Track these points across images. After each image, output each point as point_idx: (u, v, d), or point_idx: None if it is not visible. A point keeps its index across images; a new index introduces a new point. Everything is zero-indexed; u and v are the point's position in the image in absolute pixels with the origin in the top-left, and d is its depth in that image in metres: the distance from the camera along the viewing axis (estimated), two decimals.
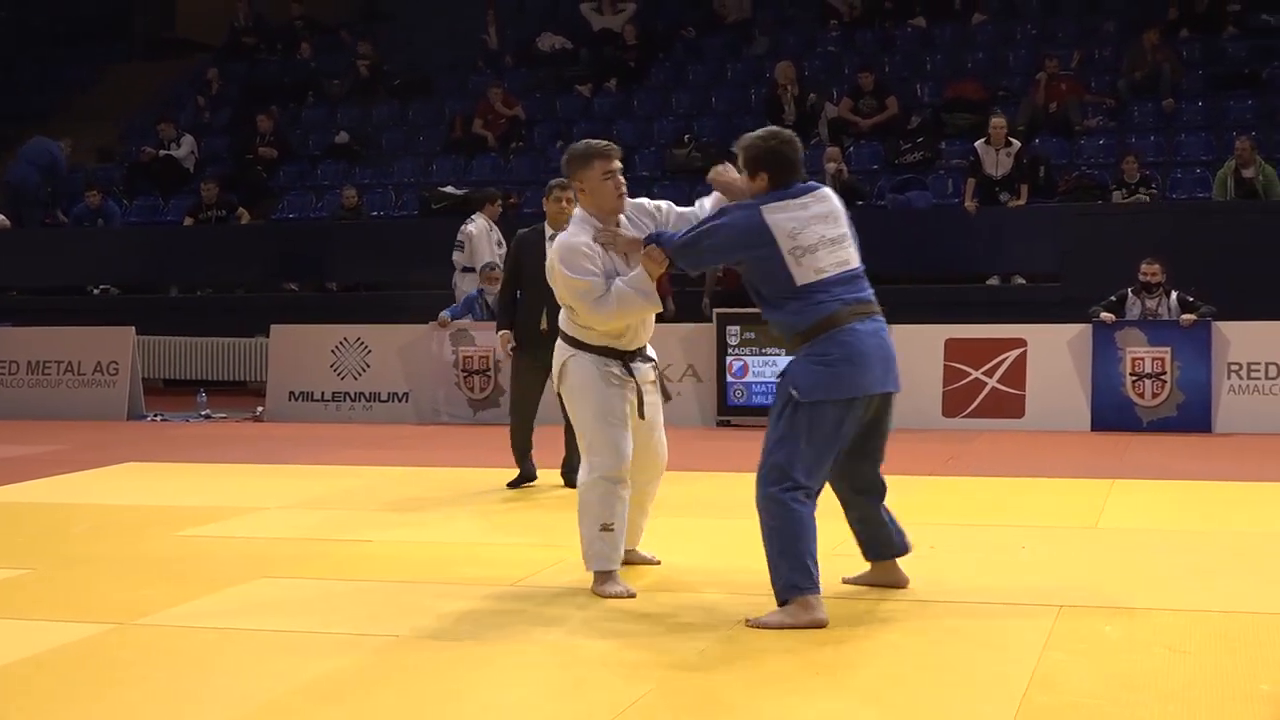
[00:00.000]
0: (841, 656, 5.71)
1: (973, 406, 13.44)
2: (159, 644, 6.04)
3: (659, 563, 7.25)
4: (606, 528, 6.62)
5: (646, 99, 21.15)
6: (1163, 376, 13.16)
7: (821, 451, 6.25)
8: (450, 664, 5.65)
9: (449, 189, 19.03)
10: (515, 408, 10.13)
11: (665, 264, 6.57)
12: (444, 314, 14.43)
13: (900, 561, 6.69)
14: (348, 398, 14.99)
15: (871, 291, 6.37)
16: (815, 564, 6.09)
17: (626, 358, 6.83)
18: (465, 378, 14.57)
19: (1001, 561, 7.26)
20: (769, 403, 14.16)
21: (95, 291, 19.76)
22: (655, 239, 6.62)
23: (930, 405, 13.31)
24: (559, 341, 6.97)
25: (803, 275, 6.21)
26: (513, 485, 10.02)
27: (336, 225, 19.08)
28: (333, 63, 23.29)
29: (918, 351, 13.49)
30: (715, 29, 22.28)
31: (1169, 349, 13.16)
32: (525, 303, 9.71)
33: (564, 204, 9.25)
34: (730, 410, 13.96)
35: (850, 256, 6.32)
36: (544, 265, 8.98)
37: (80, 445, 12.93)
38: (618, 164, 6.80)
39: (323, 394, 15.02)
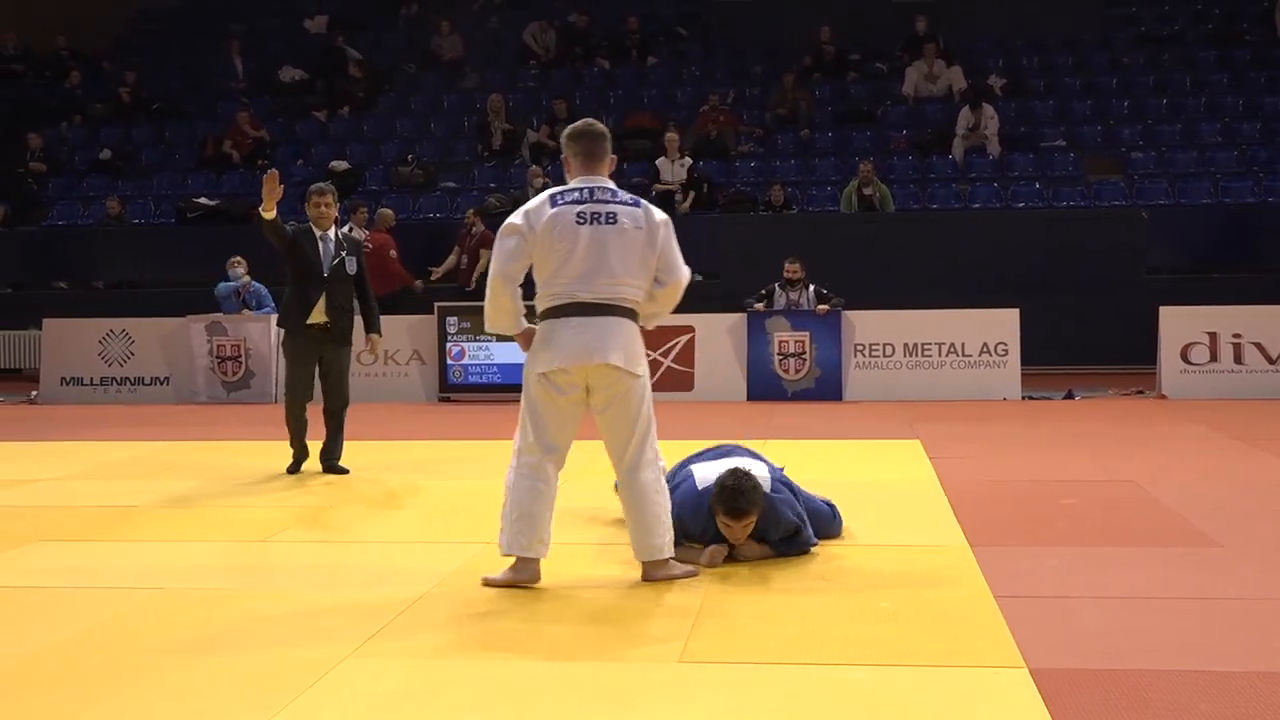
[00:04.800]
0: (532, 600, 5.70)
1: (652, 382, 13.59)
2: None
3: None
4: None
5: (375, 124, 20.87)
6: (803, 356, 13.55)
7: None
8: (208, 608, 5.48)
9: (202, 200, 18.65)
10: (290, 391, 9.11)
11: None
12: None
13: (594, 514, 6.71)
14: (114, 382, 14.47)
15: None
16: None
17: None
18: (219, 363, 14.16)
19: None
20: (483, 381, 14.22)
21: None
22: None
23: None
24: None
25: None
26: (293, 469, 9.04)
27: (102, 231, 18.49)
28: (95, 89, 22.34)
29: None
30: (433, 66, 22.11)
31: (808, 333, 13.56)
32: (298, 292, 8.95)
33: (322, 208, 9.00)
34: (450, 388, 13.87)
35: None
36: (315, 260, 8.83)
37: None
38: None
39: (92, 379, 14.47)
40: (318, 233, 8.99)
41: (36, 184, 20.03)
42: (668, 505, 5.81)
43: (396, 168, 19.18)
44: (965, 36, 20.76)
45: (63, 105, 22.01)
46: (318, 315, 8.87)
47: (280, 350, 10.45)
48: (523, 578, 5.70)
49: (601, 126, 6.00)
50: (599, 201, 5.71)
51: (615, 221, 5.68)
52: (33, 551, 6.69)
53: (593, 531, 6.73)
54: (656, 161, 17.65)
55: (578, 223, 5.65)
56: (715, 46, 22.16)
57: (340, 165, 18.79)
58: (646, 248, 5.71)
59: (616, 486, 5.98)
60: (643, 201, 5.87)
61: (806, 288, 13.83)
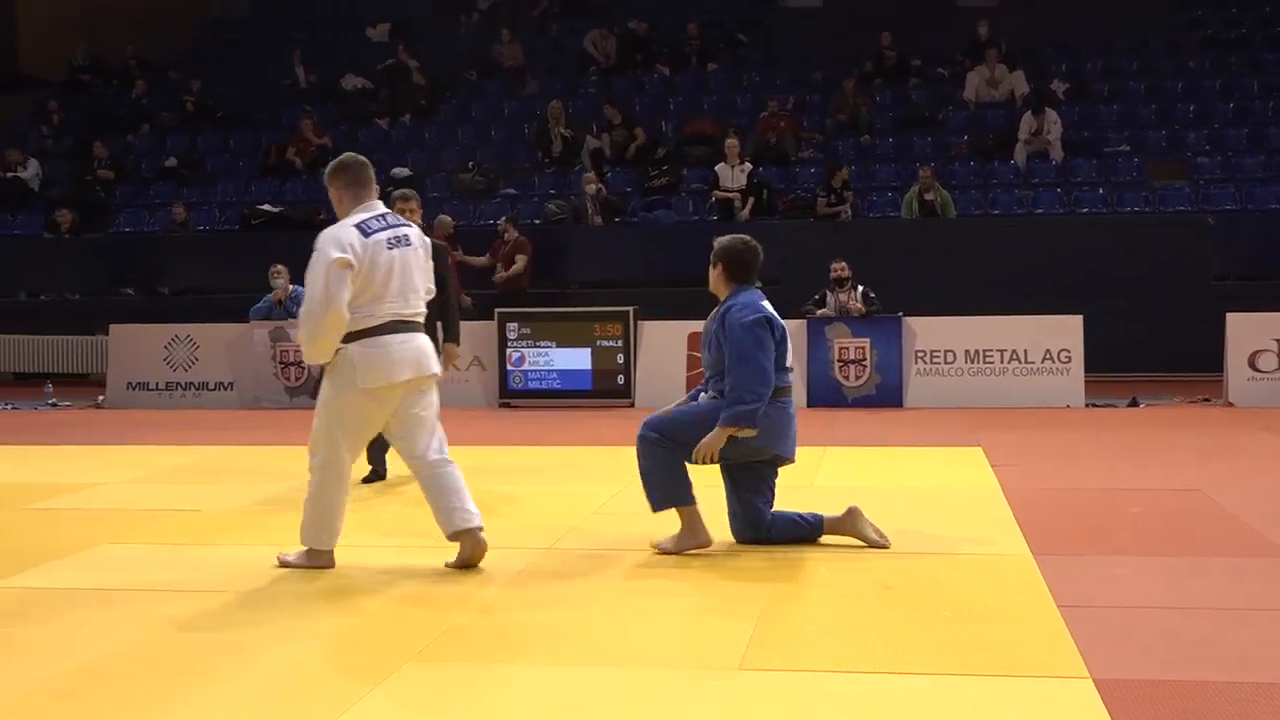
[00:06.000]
0: (593, 603, 5.71)
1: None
2: (11, 605, 5.79)
3: None
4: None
5: (436, 131, 21.00)
6: (863, 362, 13.49)
7: None
8: (269, 610, 5.53)
9: (265, 206, 18.82)
10: None
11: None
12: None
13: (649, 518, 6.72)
14: (179, 387, 14.64)
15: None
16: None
17: None
18: (282, 369, 14.30)
19: None
20: (543, 387, 14.27)
21: None
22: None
23: (676, 389, 13.38)
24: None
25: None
26: (367, 480, 8.95)
27: (168, 238, 18.74)
28: (163, 98, 22.64)
29: (666, 343, 13.67)
30: (494, 73, 22.22)
31: (869, 339, 13.50)
32: None
33: (406, 213, 9.00)
34: (510, 394, 13.91)
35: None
36: None
37: None
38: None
39: (157, 384, 14.65)
40: None
41: (104, 191, 20.34)
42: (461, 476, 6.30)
43: (458, 174, 19.32)
44: (1028, 41, 20.62)
45: (130, 114, 22.34)
46: None
47: None
48: (320, 563, 6.27)
49: (362, 157, 6.40)
50: (393, 226, 6.20)
51: (410, 243, 6.21)
52: (100, 554, 6.78)
53: (643, 537, 6.72)
54: (716, 168, 17.68)
55: (389, 248, 6.09)
56: (776, 52, 22.14)
57: (402, 172, 18.90)
58: (426, 264, 6.32)
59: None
60: (414, 226, 6.41)
61: (855, 287, 13.79)
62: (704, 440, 6.31)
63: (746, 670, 4.61)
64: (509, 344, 13.90)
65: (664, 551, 6.42)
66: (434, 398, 6.32)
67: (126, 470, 9.68)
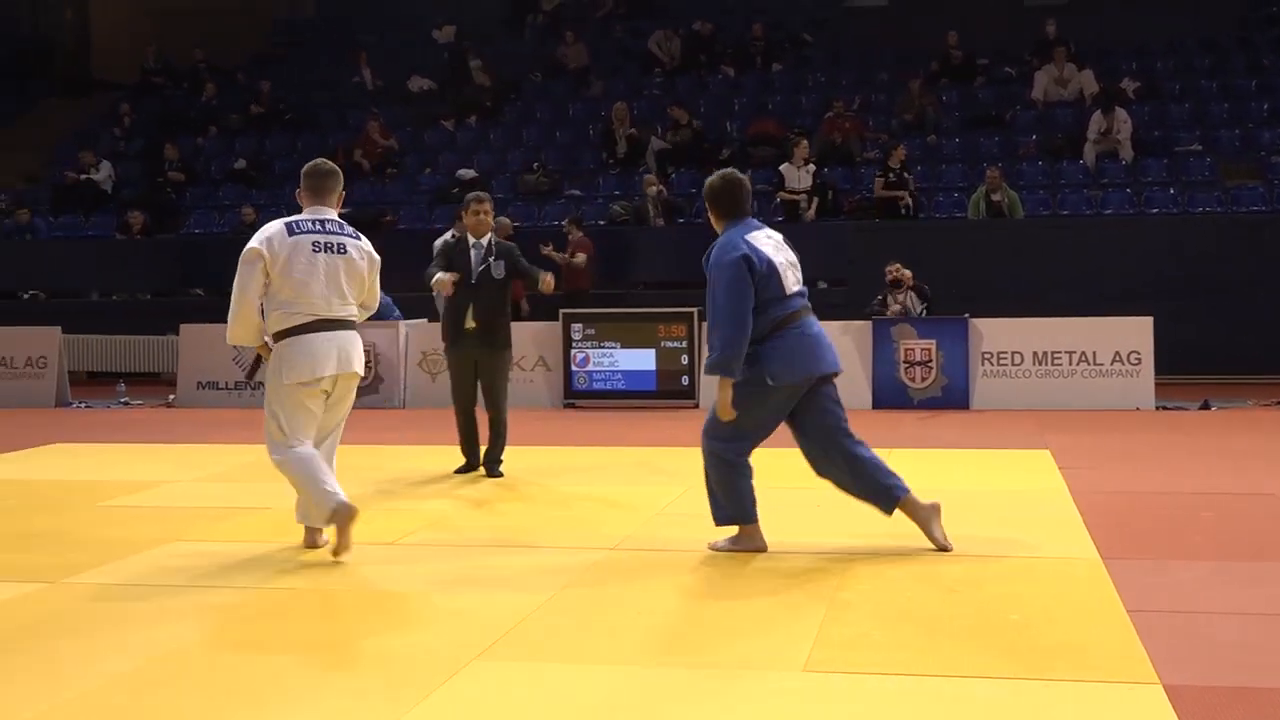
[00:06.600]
0: (657, 605, 5.71)
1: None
2: (85, 600, 5.88)
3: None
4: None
5: (501, 133, 21.09)
6: (930, 364, 13.40)
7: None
8: (337, 608, 5.58)
9: None
10: (454, 399, 9.33)
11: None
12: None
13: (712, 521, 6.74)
14: (248, 387, 14.74)
15: None
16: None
17: None
18: None
19: (800, 517, 7.32)
20: (608, 388, 14.30)
21: (25, 296, 19.35)
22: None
23: None
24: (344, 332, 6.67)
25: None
26: (459, 471, 9.25)
27: (237, 239, 18.68)
28: (231, 100, 22.91)
29: None
30: (558, 75, 22.28)
31: (934, 341, 13.40)
32: (452, 302, 9.15)
33: (481, 215, 9.13)
34: (574, 395, 13.95)
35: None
36: (465, 269, 8.99)
37: (13, 430, 12.52)
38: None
39: (226, 383, 14.79)
40: (471, 240, 9.11)
41: (175, 193, 20.59)
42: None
43: (522, 176, 19.38)
44: (1097, 39, 20.40)
45: (199, 117, 22.61)
46: (469, 322, 9.04)
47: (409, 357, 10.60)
48: (319, 541, 6.71)
49: (332, 166, 6.89)
50: (330, 233, 6.63)
51: (345, 252, 6.62)
52: (170, 550, 6.86)
53: (707, 539, 6.71)
54: (781, 168, 17.63)
55: (314, 251, 6.54)
56: (841, 52, 22.05)
57: (467, 173, 19.02)
58: (362, 275, 6.69)
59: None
60: (361, 236, 6.80)
61: (911, 291, 13.71)
62: (715, 404, 6.31)
63: (811, 672, 4.59)
64: (573, 345, 13.92)
65: (719, 550, 6.45)
66: (353, 395, 6.78)
67: (196, 469, 9.80)
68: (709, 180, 6.67)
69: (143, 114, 22.98)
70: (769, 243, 6.42)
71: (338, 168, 6.92)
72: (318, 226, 6.63)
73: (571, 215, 17.03)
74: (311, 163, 6.88)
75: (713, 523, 6.53)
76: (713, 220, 6.61)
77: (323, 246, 6.57)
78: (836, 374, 6.57)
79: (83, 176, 20.66)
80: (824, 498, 7.94)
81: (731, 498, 6.43)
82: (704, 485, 6.55)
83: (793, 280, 6.41)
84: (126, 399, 15.12)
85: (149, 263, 19.07)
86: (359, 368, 6.67)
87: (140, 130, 22.49)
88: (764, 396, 6.30)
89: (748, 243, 6.31)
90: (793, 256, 6.53)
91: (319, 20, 26.42)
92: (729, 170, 6.76)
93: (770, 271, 6.30)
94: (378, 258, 6.81)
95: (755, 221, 6.59)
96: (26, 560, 6.68)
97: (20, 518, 7.93)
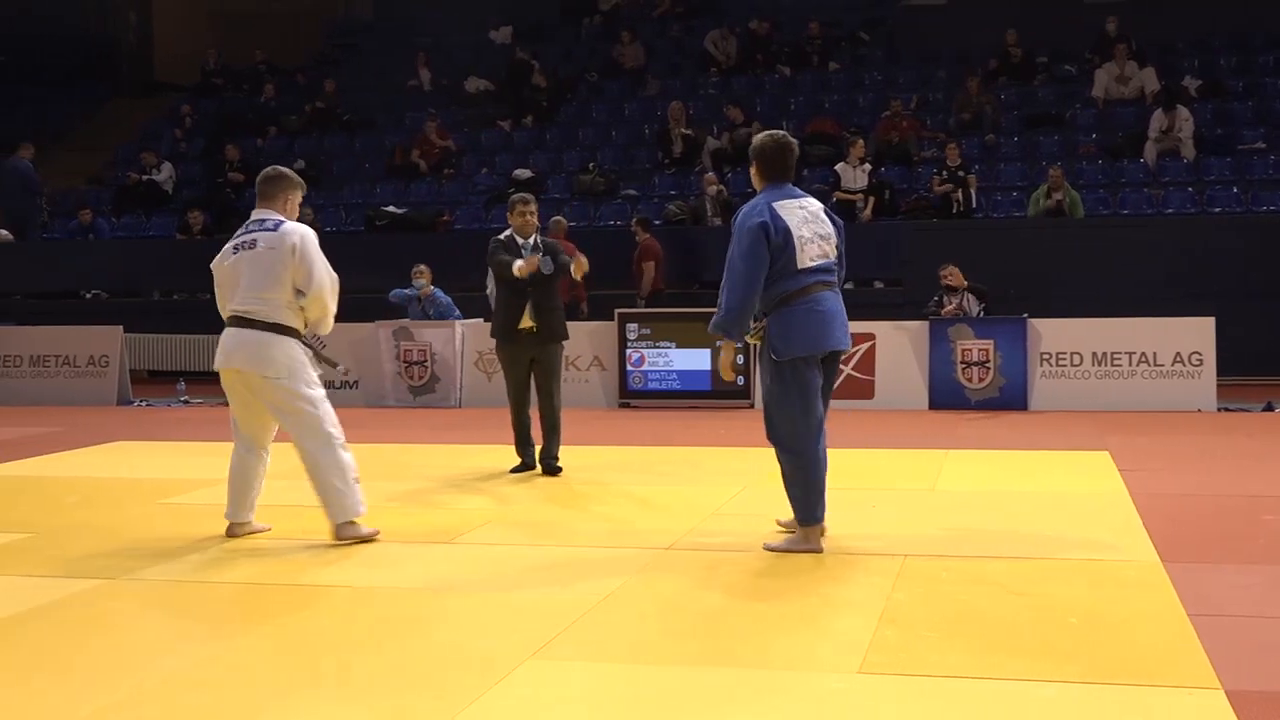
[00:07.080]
0: (712, 604, 5.70)
1: (833, 390, 13.49)
2: (145, 596, 5.95)
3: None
4: (356, 480, 7.05)
5: (558, 133, 21.14)
6: (987, 364, 13.30)
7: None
8: (395, 605, 5.61)
9: (390, 208, 19.07)
10: (510, 397, 9.39)
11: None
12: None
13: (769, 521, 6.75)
14: None
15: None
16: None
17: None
18: (406, 368, 14.49)
19: (855, 518, 7.30)
20: (663, 388, 14.29)
21: (88, 296, 19.55)
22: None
23: None
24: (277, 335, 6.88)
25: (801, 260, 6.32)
26: (515, 471, 9.29)
27: None
28: (290, 101, 23.09)
29: None
30: (615, 74, 22.31)
31: (992, 341, 13.30)
32: (509, 301, 9.28)
33: (527, 216, 9.25)
34: (630, 394, 13.96)
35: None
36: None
37: (75, 427, 12.70)
38: None
39: None
40: (520, 240, 9.25)
41: (234, 194, 20.75)
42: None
43: (578, 176, 19.41)
44: (1158, 37, 20.17)
45: (259, 118, 22.80)
46: (525, 321, 9.17)
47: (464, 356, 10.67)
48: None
49: (280, 171, 7.17)
50: (250, 232, 6.87)
51: (254, 247, 6.80)
52: (229, 546, 6.93)
53: (763, 539, 6.70)
54: (837, 167, 17.57)
55: (234, 251, 6.88)
56: (898, 51, 21.93)
57: (524, 174, 19.08)
58: (277, 265, 6.73)
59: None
60: (283, 225, 6.84)
61: (968, 292, 13.63)
62: (762, 395, 6.38)
63: (866, 674, 4.57)
64: (629, 344, 13.94)
65: (774, 551, 6.43)
66: (266, 394, 6.91)
67: None
68: (758, 138, 6.64)
69: (203, 115, 23.23)
70: (799, 213, 6.39)
71: (286, 172, 7.16)
72: (246, 228, 6.92)
73: (639, 216, 17.00)
74: (267, 169, 7.21)
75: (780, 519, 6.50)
76: (753, 177, 6.61)
77: (239, 246, 6.86)
78: (843, 351, 6.61)
79: (144, 177, 20.90)
80: (879, 498, 7.93)
81: (801, 496, 6.43)
82: (759, 485, 6.55)
83: (815, 254, 6.38)
84: (186, 397, 15.28)
85: (209, 263, 19.19)
86: (240, 363, 6.84)
87: (201, 131, 22.73)
88: (779, 370, 6.39)
89: (771, 209, 6.32)
90: (827, 229, 6.49)
91: (376, 22, 26.59)
92: (780, 132, 6.73)
93: (786, 243, 6.30)
94: (305, 242, 6.78)
95: (795, 189, 6.55)
96: (86, 557, 6.76)
97: (82, 514, 8.04)
